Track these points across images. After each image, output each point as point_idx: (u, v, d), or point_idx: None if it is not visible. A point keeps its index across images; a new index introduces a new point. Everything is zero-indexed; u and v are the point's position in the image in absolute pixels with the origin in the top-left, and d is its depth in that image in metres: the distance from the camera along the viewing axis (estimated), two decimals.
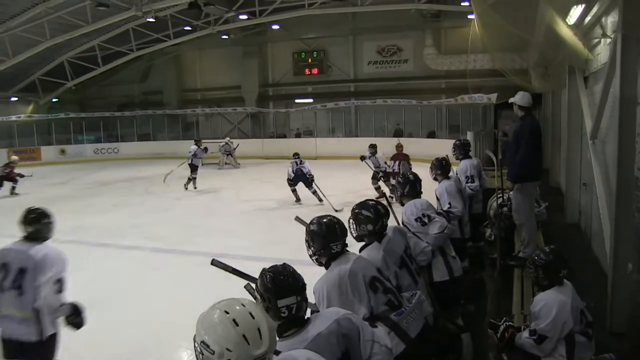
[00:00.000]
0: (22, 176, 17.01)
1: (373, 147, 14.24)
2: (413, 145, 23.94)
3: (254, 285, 2.66)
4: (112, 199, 15.80)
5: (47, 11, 22.22)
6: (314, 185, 13.81)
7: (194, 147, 17.14)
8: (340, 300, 3.00)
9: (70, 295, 6.97)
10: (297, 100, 30.52)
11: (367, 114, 27.82)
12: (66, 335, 4.20)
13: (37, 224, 4.14)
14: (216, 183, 18.27)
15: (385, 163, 14.20)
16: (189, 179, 16.90)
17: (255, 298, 2.58)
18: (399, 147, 14.80)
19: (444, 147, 20.59)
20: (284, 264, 2.59)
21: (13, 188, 16.88)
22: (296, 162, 13.80)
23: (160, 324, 6.22)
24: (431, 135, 25.75)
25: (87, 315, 4.13)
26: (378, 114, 27.16)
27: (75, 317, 4.08)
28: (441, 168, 5.89)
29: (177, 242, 10.18)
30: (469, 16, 21.11)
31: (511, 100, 6.19)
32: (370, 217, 3.68)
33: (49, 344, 4.04)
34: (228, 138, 25.56)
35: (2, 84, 28.64)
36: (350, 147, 25.04)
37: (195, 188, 16.77)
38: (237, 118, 32.06)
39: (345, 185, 16.24)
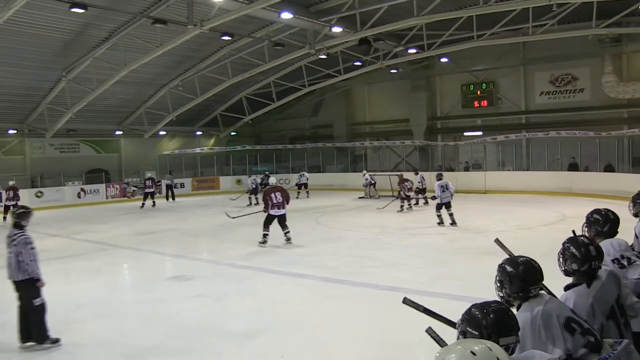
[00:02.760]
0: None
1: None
2: (590, 180, 22.50)
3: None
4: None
5: (231, 53, 24.36)
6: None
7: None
8: (532, 341, 2.85)
9: (242, 317, 7.36)
10: (465, 133, 30.06)
11: (539, 147, 26.49)
12: None
13: None
14: (384, 215, 18.48)
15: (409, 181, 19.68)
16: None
17: (438, 343, 2.51)
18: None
19: (623, 181, 19.17)
20: (496, 300, 2.50)
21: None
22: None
23: (322, 355, 6.29)
24: (608, 168, 23.81)
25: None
26: (551, 147, 25.75)
27: None
28: None
29: (346, 272, 10.23)
30: None
31: None
32: (577, 256, 3.34)
33: None
34: (365, 171, 26.22)
35: (189, 120, 31.83)
36: (520, 182, 24.08)
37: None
38: (405, 151, 32.27)
39: (516, 221, 15.62)
